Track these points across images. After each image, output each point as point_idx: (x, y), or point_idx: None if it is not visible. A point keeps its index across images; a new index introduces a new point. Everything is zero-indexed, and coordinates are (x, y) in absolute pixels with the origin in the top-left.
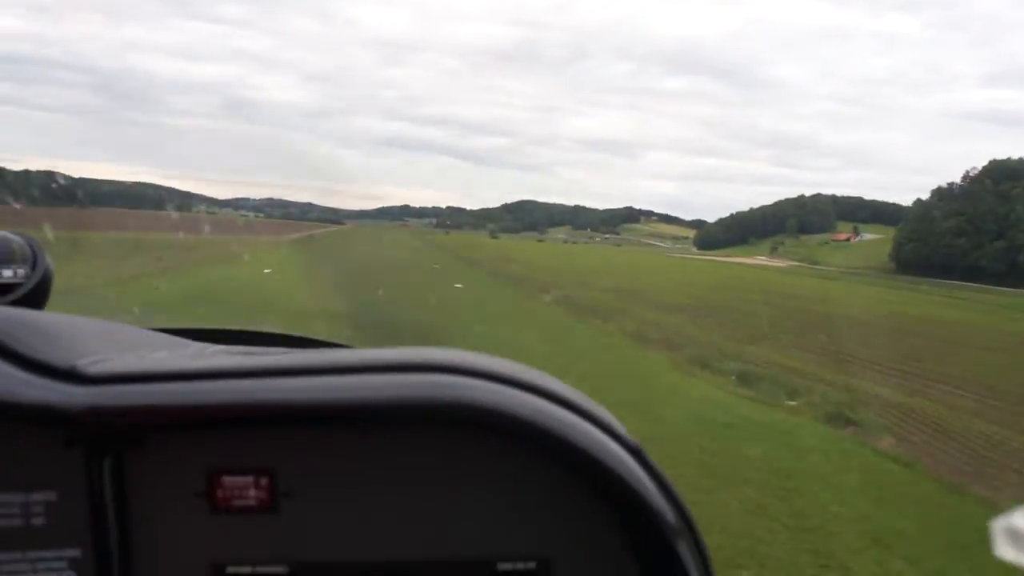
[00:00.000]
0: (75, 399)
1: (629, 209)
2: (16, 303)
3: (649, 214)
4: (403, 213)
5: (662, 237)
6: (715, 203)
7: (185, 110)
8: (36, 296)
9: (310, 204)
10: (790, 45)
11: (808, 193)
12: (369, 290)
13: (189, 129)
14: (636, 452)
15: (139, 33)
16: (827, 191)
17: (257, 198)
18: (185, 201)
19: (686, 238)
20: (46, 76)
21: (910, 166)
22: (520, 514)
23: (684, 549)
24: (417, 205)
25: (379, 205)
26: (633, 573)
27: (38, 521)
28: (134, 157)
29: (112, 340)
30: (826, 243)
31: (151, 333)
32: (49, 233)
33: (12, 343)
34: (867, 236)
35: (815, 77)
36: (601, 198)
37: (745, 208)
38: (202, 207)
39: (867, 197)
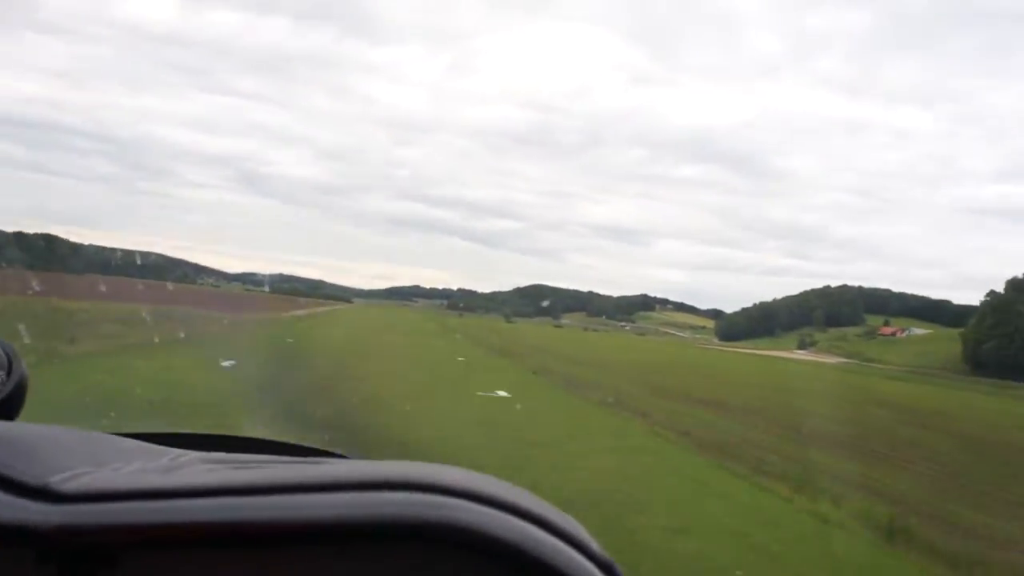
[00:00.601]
0: (47, 518)
1: (644, 297)
2: None
3: (664, 302)
4: (413, 293)
5: (678, 326)
6: (727, 293)
7: (198, 182)
8: (10, 404)
9: (320, 281)
10: (803, 135)
11: (832, 284)
12: (375, 411)
13: (202, 201)
14: (608, 568)
15: (156, 103)
16: (852, 282)
17: (267, 273)
18: (193, 273)
19: (703, 328)
20: (61, 142)
21: (920, 259)
22: None
23: None
24: (427, 286)
25: (389, 285)
26: None
27: None
28: (145, 227)
29: (86, 452)
30: (871, 336)
31: (126, 441)
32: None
33: None
34: (916, 331)
35: (827, 169)
36: (612, 285)
37: (762, 299)
38: (209, 280)
39: (895, 289)
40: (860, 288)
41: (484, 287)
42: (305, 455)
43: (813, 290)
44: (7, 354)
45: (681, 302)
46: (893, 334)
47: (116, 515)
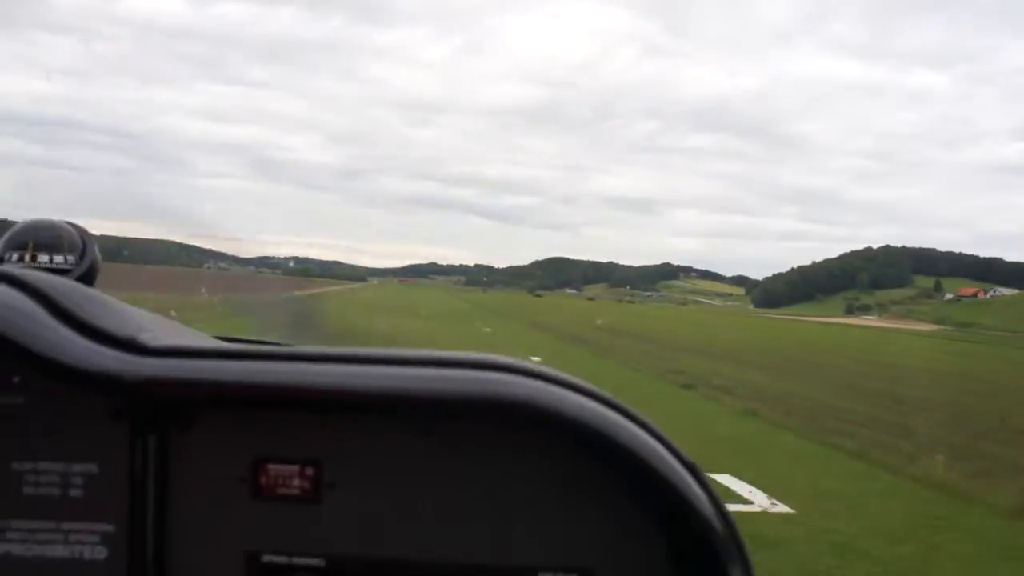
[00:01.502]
0: (135, 368)
1: (667, 265)
2: None
3: (688, 271)
4: (430, 271)
5: (706, 294)
6: (750, 259)
7: (213, 171)
8: (83, 282)
9: (337, 262)
10: (816, 101)
11: (874, 245)
12: None
13: (217, 189)
14: (692, 468)
15: (168, 95)
16: (881, 243)
17: (283, 256)
18: (206, 259)
19: (730, 295)
20: (76, 138)
21: (940, 219)
22: (566, 522)
23: (735, 573)
24: (444, 263)
25: (406, 263)
26: None
27: (76, 492)
28: (161, 217)
29: (162, 325)
30: (929, 298)
31: (192, 330)
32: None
33: (75, 309)
34: (1003, 291)
35: (842, 133)
36: (631, 255)
37: (784, 264)
38: (223, 265)
39: (941, 248)
40: (904, 248)
41: (501, 262)
42: None
43: (854, 252)
44: (82, 239)
45: (705, 269)
46: (975, 295)
47: (203, 371)
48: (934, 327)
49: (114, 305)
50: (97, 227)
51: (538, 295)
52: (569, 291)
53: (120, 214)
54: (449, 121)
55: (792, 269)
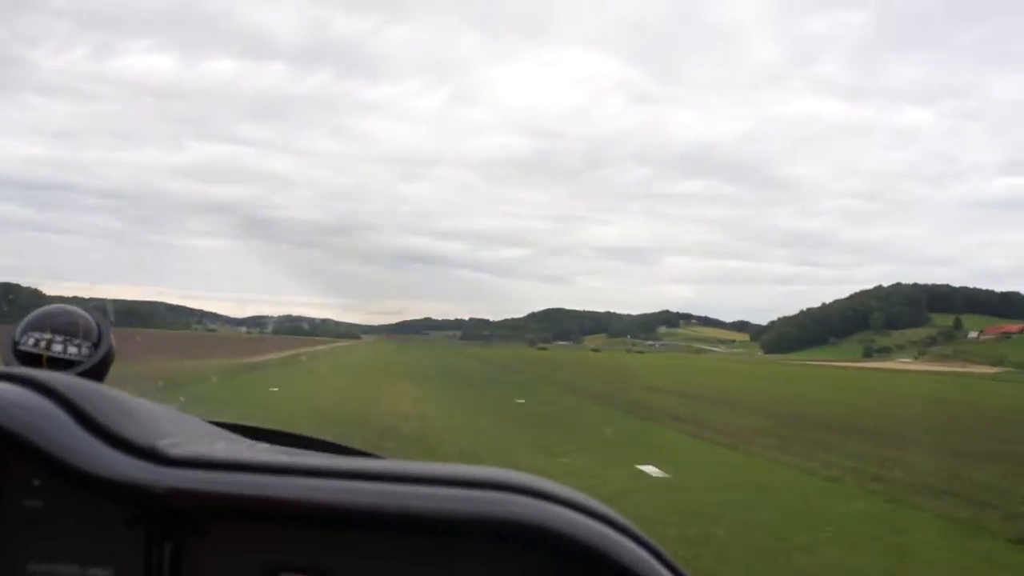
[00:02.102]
0: (156, 479)
1: (665, 313)
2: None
3: (688, 317)
4: (424, 326)
5: (708, 341)
6: (748, 305)
7: (203, 230)
8: (96, 374)
9: (327, 320)
10: (805, 143)
11: (884, 284)
12: None
13: (207, 249)
14: None
15: (157, 155)
16: (882, 282)
17: (275, 315)
18: (197, 319)
19: (732, 341)
20: (66, 201)
21: (931, 258)
22: None
23: None
24: (439, 317)
25: (400, 319)
26: None
27: None
28: (153, 278)
29: (178, 425)
30: (978, 338)
31: (205, 423)
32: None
33: (97, 415)
34: None
35: (832, 174)
36: (627, 304)
37: (786, 307)
38: (213, 325)
39: (955, 284)
40: (916, 285)
41: (495, 315)
42: (350, 455)
43: (864, 291)
44: (99, 326)
45: (704, 316)
46: (1005, 333)
47: (223, 484)
48: (993, 369)
49: (133, 406)
50: (86, 291)
51: (542, 348)
52: (561, 343)
53: (110, 276)
54: (439, 174)
55: (801, 312)
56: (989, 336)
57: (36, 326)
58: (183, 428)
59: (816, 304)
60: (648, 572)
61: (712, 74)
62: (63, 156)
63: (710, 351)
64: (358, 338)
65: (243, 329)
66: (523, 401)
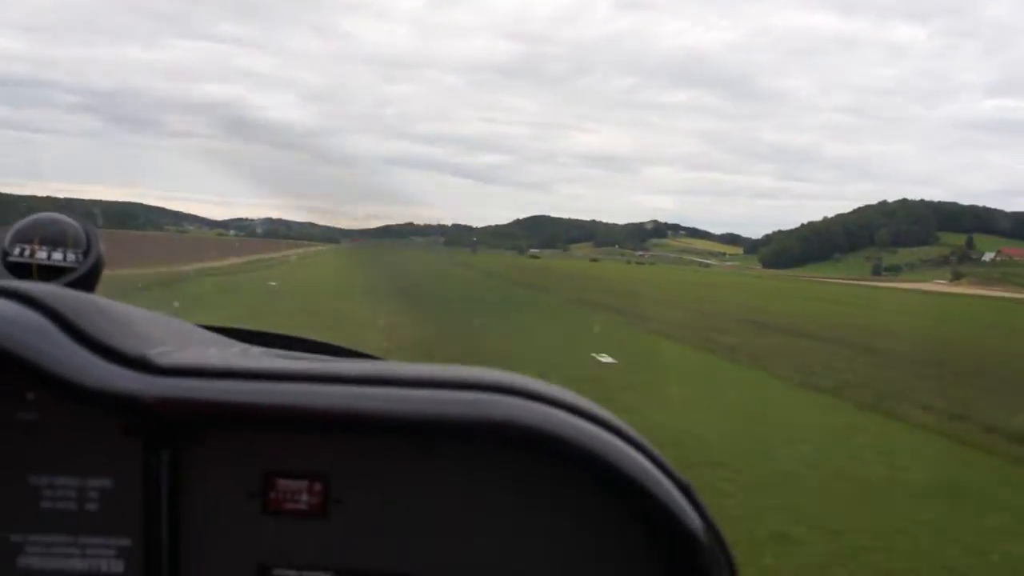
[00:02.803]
0: (146, 388)
1: (654, 223)
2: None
3: (676, 228)
4: (407, 231)
5: (699, 253)
6: (722, 218)
7: (183, 131)
8: (86, 283)
9: (311, 224)
10: (795, 56)
11: (889, 199)
12: None
13: (187, 150)
14: (686, 489)
15: (137, 53)
16: (899, 197)
17: (255, 218)
18: (175, 222)
19: (723, 254)
20: (44, 98)
21: (916, 176)
22: (565, 542)
23: None
24: (421, 223)
25: (382, 223)
26: None
27: (92, 507)
28: (131, 178)
29: (169, 332)
30: (995, 260)
31: (198, 329)
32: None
33: (86, 326)
34: None
35: (820, 89)
36: (614, 213)
37: (775, 221)
38: (190, 227)
39: (963, 202)
40: (923, 202)
41: (478, 222)
42: (348, 356)
43: (869, 207)
44: (88, 235)
45: (694, 227)
46: None
47: (213, 392)
48: None
49: (123, 315)
50: (63, 191)
51: (534, 256)
52: (542, 251)
53: (88, 177)
54: (422, 77)
55: (802, 225)
56: (1006, 258)
57: (25, 237)
58: (175, 335)
59: (817, 218)
60: (645, 476)
61: None
62: (38, 52)
63: (705, 264)
64: (338, 242)
65: (232, 232)
66: (614, 360)
